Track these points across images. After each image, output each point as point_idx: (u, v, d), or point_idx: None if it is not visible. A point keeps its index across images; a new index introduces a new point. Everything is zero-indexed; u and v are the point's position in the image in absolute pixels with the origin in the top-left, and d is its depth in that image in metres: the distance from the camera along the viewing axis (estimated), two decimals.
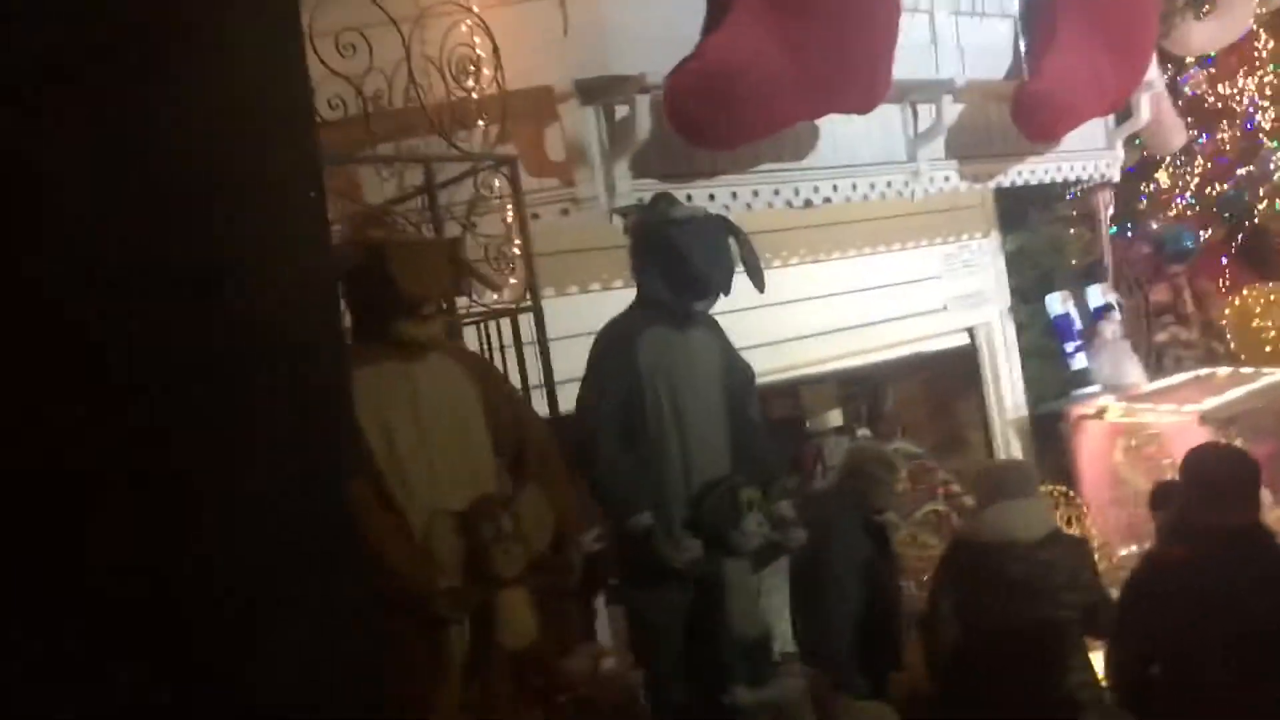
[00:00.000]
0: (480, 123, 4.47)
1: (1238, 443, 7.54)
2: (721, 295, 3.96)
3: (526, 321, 4.30)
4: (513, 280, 4.32)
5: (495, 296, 4.47)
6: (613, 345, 3.85)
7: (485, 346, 4.22)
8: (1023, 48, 6.35)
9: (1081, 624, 4.19)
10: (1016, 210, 8.22)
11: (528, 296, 4.24)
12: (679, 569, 3.76)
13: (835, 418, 8.90)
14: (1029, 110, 6.03)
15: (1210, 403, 7.63)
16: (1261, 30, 9.92)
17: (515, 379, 4.16)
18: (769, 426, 4.44)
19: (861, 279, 7.22)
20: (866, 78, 5.12)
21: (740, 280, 6.56)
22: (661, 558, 3.73)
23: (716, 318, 6.57)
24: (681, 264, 3.79)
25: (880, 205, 6.89)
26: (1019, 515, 4.25)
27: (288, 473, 2.12)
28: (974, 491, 4.62)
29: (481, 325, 4.24)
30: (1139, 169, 10.62)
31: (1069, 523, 7.22)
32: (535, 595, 3.28)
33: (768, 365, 6.82)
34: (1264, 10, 9.78)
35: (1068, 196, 9.20)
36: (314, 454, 2.15)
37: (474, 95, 4.35)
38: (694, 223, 3.88)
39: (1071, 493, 7.10)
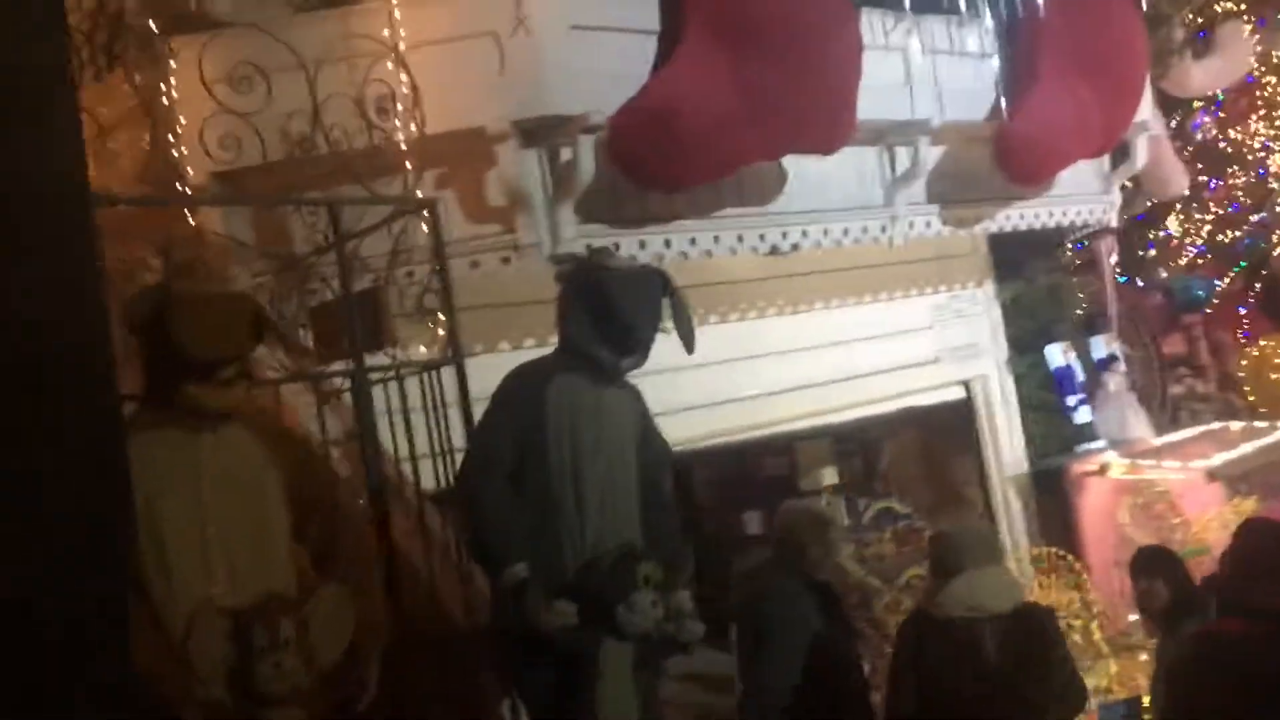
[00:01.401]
0: (409, 165, 4.25)
1: (1252, 500, 7.19)
2: (643, 355, 3.63)
3: (450, 378, 4.00)
4: (441, 332, 4.05)
5: (423, 350, 4.21)
6: (520, 383, 3.55)
7: (402, 405, 3.91)
8: (1003, 88, 6.06)
9: (1052, 709, 3.80)
10: (1013, 258, 7.89)
11: (450, 351, 3.95)
12: (548, 635, 3.33)
13: (830, 475, 8.59)
14: (1011, 152, 5.74)
15: (1220, 458, 7.24)
16: (1271, 74, 9.62)
17: (436, 442, 3.87)
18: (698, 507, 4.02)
19: (845, 330, 6.90)
20: (826, 117, 4.86)
21: (714, 334, 6.41)
22: (530, 619, 3.32)
23: (694, 369, 6.39)
24: (610, 313, 3.50)
25: (863, 254, 6.61)
26: (987, 586, 3.88)
27: (54, 543, 1.85)
28: (931, 559, 4.25)
29: (392, 382, 3.93)
30: (1149, 216, 10.33)
31: (1076, 589, 6.81)
32: (316, 718, 2.85)
33: (745, 421, 6.55)
34: (1274, 52, 9.50)
35: (1076, 246, 8.90)
36: (83, 524, 1.88)
37: (397, 136, 4.12)
38: (629, 273, 3.60)
39: (1069, 556, 6.67)
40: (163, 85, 4.20)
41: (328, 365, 4.11)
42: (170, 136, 4.17)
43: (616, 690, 3.51)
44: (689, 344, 3.63)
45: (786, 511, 4.61)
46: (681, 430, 6.24)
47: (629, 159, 4.46)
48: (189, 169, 4.26)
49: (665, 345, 6.13)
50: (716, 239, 5.29)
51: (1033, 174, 5.92)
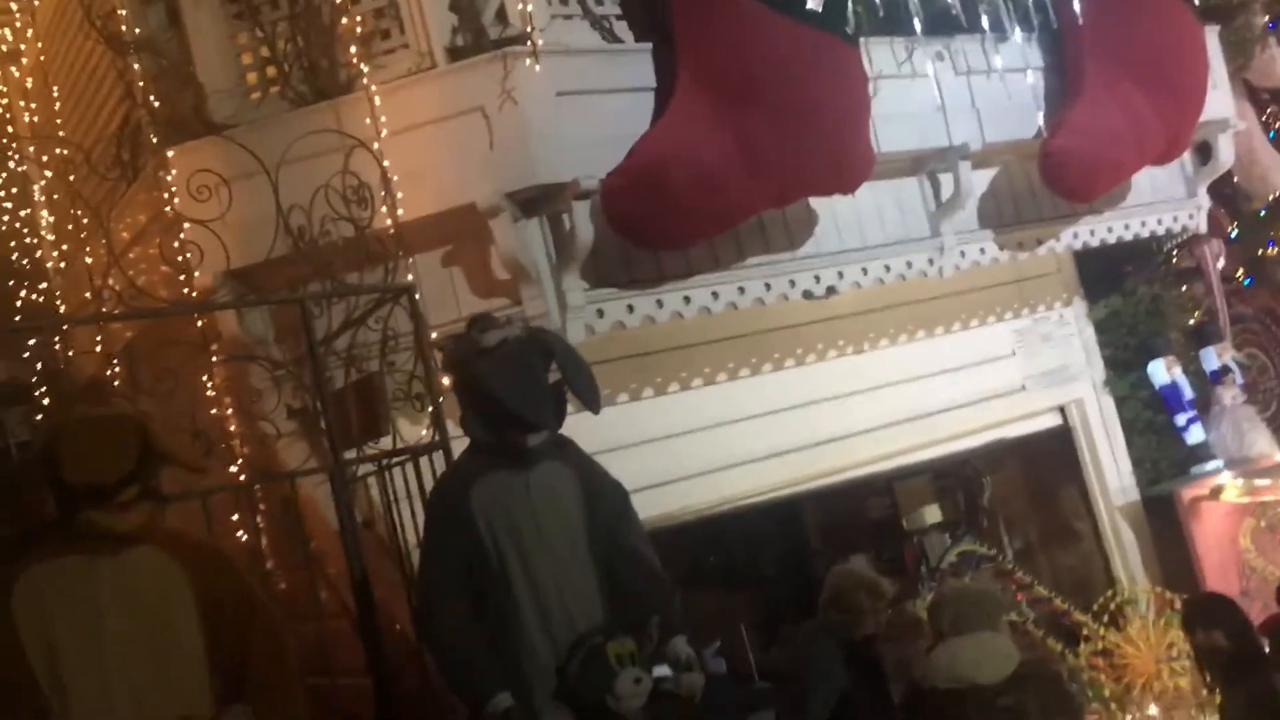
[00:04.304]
0: (399, 252, 4.27)
1: None
2: (550, 426, 3.48)
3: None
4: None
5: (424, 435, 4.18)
6: (442, 503, 3.44)
7: (392, 495, 3.89)
8: (1045, 102, 5.74)
9: None
10: (1106, 273, 7.44)
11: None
12: None
13: (933, 513, 8.24)
14: (1055, 168, 5.41)
15: None
16: None
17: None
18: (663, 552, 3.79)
19: (918, 366, 6.61)
20: (833, 157, 4.67)
21: (767, 384, 6.24)
22: None
23: (762, 417, 6.20)
24: (489, 399, 3.37)
25: (934, 285, 6.33)
26: (972, 653, 3.61)
27: None
28: (930, 626, 4.00)
29: (387, 472, 3.92)
30: (1272, 211, 9.64)
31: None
32: None
33: (816, 468, 6.33)
34: None
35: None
36: None
37: (381, 224, 4.15)
38: (501, 349, 3.40)
39: (1166, 592, 6.18)
40: (165, 194, 4.33)
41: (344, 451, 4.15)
42: (175, 243, 4.29)
43: None
44: (589, 404, 3.48)
45: (840, 577, 4.48)
46: (765, 478, 6.13)
47: (623, 220, 4.37)
48: (197, 271, 4.37)
49: (740, 393, 6.11)
50: (741, 290, 5.14)
51: (1081, 189, 5.56)
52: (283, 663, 3.10)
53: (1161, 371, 7.33)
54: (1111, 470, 7.24)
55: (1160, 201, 6.65)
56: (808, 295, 5.36)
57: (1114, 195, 6.22)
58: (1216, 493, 6.81)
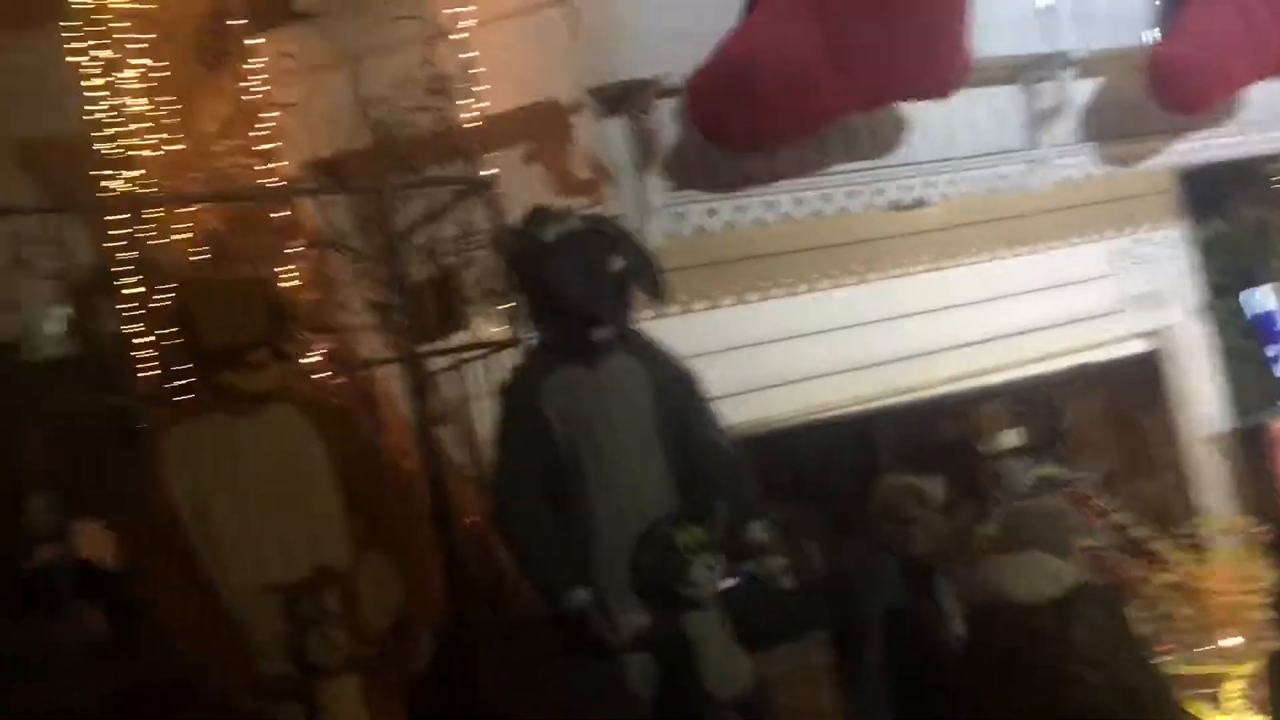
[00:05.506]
0: (481, 146, 4.22)
1: None
2: (614, 320, 3.41)
3: None
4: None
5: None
6: (514, 401, 3.42)
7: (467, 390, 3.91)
8: (1159, 6, 5.45)
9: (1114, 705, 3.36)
10: (1213, 194, 7.14)
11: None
12: (630, 649, 3.28)
13: (1011, 438, 8.10)
14: (1164, 79, 5.15)
15: None
16: None
17: None
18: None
19: (1006, 284, 6.43)
20: (926, 60, 4.48)
21: (848, 297, 6.11)
22: (604, 643, 3.25)
23: (838, 331, 6.09)
24: (550, 293, 3.33)
25: (1023, 201, 6.12)
26: (1013, 571, 3.49)
27: None
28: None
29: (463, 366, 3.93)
30: None
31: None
32: (372, 686, 2.90)
33: (896, 384, 6.23)
34: None
35: None
36: None
37: (460, 117, 4.10)
38: (561, 243, 3.33)
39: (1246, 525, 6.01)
40: (249, 82, 4.33)
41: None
42: (259, 132, 4.29)
43: (714, 650, 3.42)
44: (654, 293, 3.43)
45: (884, 489, 4.37)
46: (843, 391, 6.05)
47: (708, 120, 4.26)
48: (281, 160, 4.38)
49: (821, 305, 6.01)
50: (826, 198, 5.01)
51: (1192, 102, 5.29)
52: (415, 515, 3.23)
53: (1256, 299, 7.07)
54: (1201, 399, 7.03)
55: (1273, 119, 6.32)
56: (895, 206, 5.22)
57: (1224, 110, 5.93)
58: None
